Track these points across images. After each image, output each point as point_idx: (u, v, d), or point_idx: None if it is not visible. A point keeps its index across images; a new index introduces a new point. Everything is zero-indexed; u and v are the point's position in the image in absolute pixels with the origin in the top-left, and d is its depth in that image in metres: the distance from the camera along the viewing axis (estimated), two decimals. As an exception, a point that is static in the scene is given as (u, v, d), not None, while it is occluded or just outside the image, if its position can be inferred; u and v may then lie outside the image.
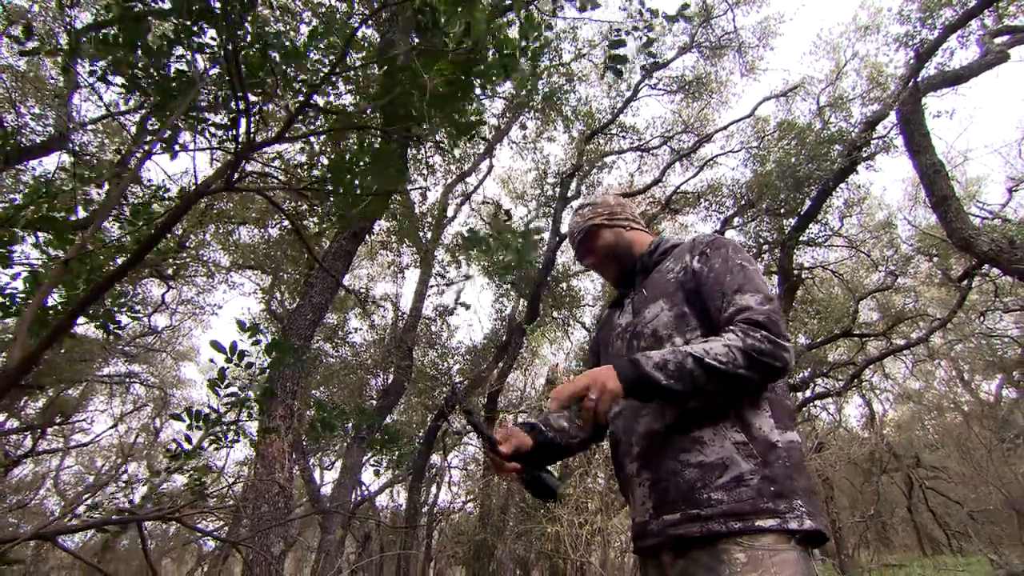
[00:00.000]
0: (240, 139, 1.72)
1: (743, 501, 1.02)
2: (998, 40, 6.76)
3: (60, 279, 1.83)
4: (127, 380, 13.17)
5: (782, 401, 1.17)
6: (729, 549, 0.99)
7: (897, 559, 11.75)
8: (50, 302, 2.34)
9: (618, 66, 2.59)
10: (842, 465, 10.35)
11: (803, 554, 1.01)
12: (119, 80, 2.16)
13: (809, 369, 11.78)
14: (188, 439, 2.08)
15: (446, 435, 12.29)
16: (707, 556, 1.01)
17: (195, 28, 1.87)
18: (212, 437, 2.10)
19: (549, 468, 1.38)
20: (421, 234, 9.49)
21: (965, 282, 9.59)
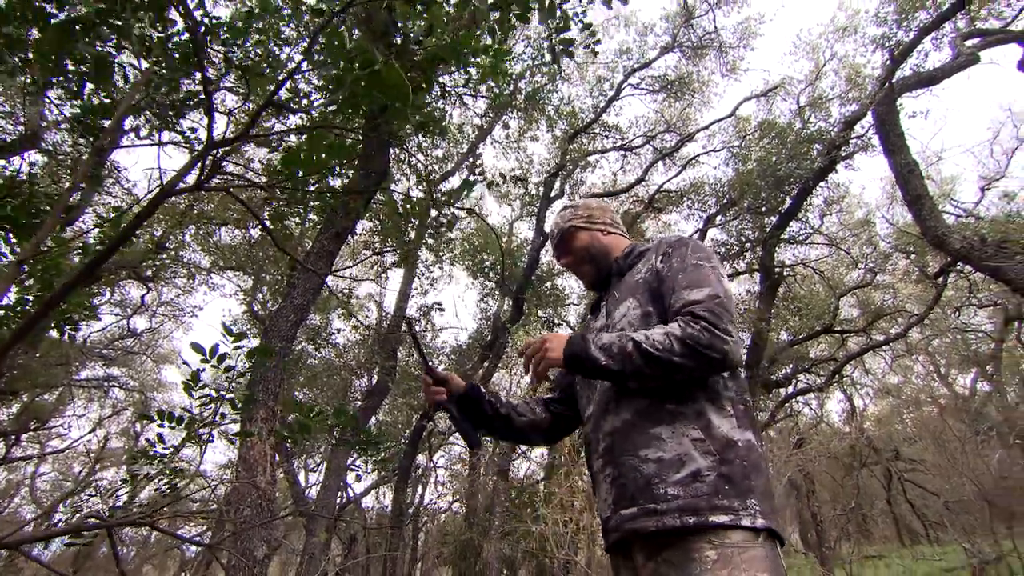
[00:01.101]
0: (206, 138, 1.69)
1: (698, 496, 1.04)
2: (969, 42, 6.91)
3: (14, 279, 1.79)
4: (106, 384, 12.89)
5: (741, 401, 1.19)
6: (700, 548, 1.00)
7: (877, 550, 11.98)
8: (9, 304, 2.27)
9: (570, 48, 2.60)
10: (823, 460, 10.51)
11: (772, 551, 1.03)
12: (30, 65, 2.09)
13: (791, 365, 11.96)
14: (161, 438, 2.05)
15: (431, 435, 12.25)
16: (678, 555, 1.02)
17: (116, 10, 1.80)
18: (189, 437, 2.07)
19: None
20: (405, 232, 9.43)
21: (941, 279, 9.82)
